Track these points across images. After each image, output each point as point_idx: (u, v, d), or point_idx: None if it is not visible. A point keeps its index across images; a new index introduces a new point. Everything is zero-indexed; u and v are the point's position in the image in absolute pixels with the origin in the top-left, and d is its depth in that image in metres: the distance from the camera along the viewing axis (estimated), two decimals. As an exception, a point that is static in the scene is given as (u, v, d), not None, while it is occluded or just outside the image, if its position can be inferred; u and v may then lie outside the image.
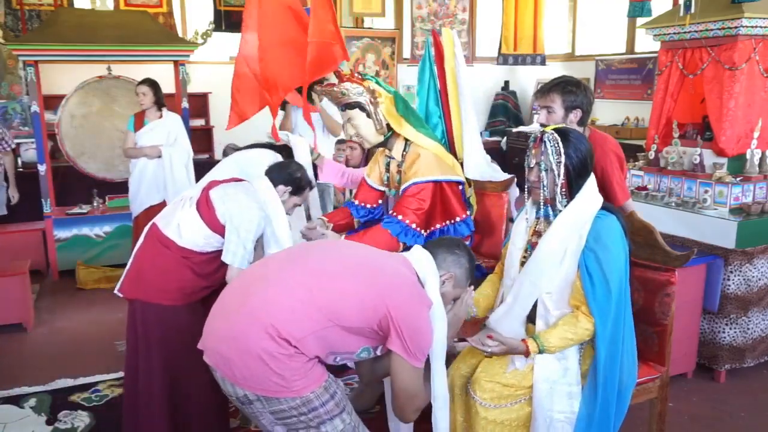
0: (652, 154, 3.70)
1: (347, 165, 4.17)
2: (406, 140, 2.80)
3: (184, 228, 2.46)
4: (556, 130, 2.08)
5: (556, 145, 2.03)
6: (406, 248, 2.71)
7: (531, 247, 2.15)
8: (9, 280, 4.04)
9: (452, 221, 2.82)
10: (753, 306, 3.30)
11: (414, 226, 2.69)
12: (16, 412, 3.04)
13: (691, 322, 3.25)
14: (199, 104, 6.74)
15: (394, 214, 2.71)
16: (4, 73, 6.21)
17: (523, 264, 2.15)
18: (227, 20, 6.82)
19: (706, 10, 3.38)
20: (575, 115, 2.58)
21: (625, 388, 2.08)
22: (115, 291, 2.57)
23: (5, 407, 3.08)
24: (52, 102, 5.66)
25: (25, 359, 3.68)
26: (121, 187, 5.19)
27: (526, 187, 2.17)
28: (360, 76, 2.73)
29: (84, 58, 4.94)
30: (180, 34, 6.54)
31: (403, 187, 2.76)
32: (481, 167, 3.08)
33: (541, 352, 2.02)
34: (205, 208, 2.47)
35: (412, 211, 2.69)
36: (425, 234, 2.76)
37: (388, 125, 2.76)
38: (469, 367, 2.21)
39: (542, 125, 2.62)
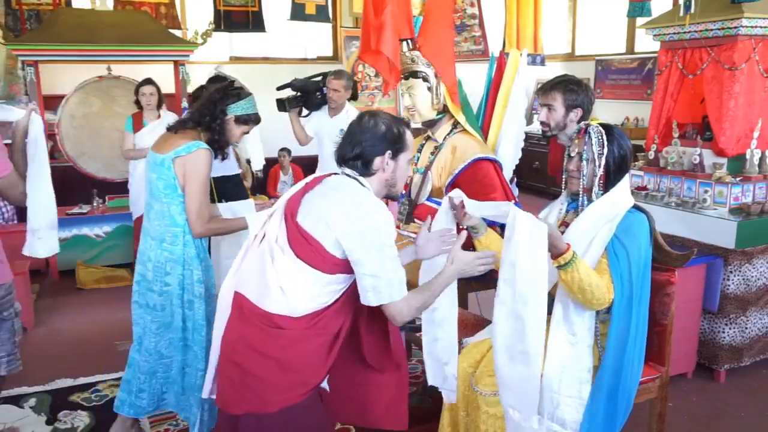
0: (651, 154, 3.70)
1: None
2: (453, 126, 2.82)
3: (290, 289, 1.79)
4: (601, 124, 2.14)
5: (600, 137, 2.09)
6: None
7: None
8: (9, 280, 4.04)
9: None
10: (751, 306, 3.30)
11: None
12: (16, 412, 3.03)
13: (691, 322, 3.25)
14: (199, 104, 6.73)
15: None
16: (4, 73, 6.21)
17: None
18: (227, 20, 6.81)
19: (706, 10, 3.38)
20: (576, 114, 2.58)
21: (632, 385, 2.10)
22: (207, 395, 2.08)
23: (5, 407, 3.07)
24: (52, 102, 5.65)
25: (25, 359, 3.64)
26: (121, 187, 5.19)
27: (563, 178, 2.21)
28: None
29: (84, 58, 4.94)
30: (183, 26, 6.54)
31: (461, 167, 2.72)
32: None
33: (565, 265, 1.94)
34: (306, 248, 1.79)
35: (491, 191, 2.69)
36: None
37: (443, 106, 2.77)
38: (472, 362, 2.22)
39: (542, 123, 2.64)
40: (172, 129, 2.50)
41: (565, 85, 2.59)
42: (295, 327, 1.79)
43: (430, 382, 2.23)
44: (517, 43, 7.79)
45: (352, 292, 1.86)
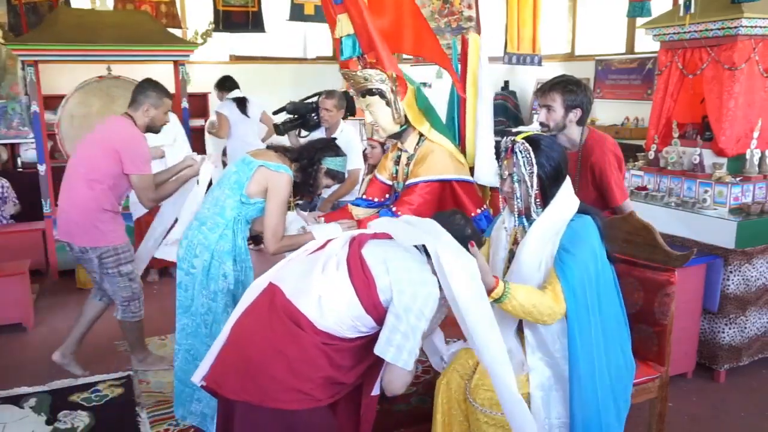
0: (651, 154, 3.70)
1: (365, 162, 4.11)
2: (421, 134, 2.77)
3: (327, 302, 1.86)
4: (526, 138, 2.04)
5: (528, 155, 2.00)
6: None
7: (512, 256, 2.13)
8: (9, 280, 4.04)
9: None
10: (751, 305, 3.30)
11: None
12: (16, 412, 3.03)
13: (691, 322, 3.25)
14: (199, 104, 6.73)
15: (393, 207, 2.70)
16: (4, 73, 6.20)
17: (506, 273, 2.14)
18: (227, 20, 6.81)
19: (706, 10, 3.38)
20: (575, 114, 2.58)
21: (621, 386, 2.07)
22: (198, 381, 1.99)
23: (5, 407, 3.07)
24: (52, 102, 5.65)
25: (25, 359, 3.68)
26: (121, 187, 5.18)
27: (501, 196, 2.15)
28: None
29: (84, 58, 4.93)
30: (183, 25, 6.54)
31: (410, 181, 2.72)
32: (491, 175, 2.99)
33: (500, 299, 1.91)
34: (360, 276, 1.88)
35: (408, 205, 2.66)
36: None
37: (405, 117, 2.72)
38: (466, 370, 2.18)
39: (542, 124, 2.63)
40: (273, 148, 2.71)
41: (564, 85, 2.58)
42: (312, 334, 1.83)
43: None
44: (518, 43, 7.79)
45: (366, 345, 1.89)
